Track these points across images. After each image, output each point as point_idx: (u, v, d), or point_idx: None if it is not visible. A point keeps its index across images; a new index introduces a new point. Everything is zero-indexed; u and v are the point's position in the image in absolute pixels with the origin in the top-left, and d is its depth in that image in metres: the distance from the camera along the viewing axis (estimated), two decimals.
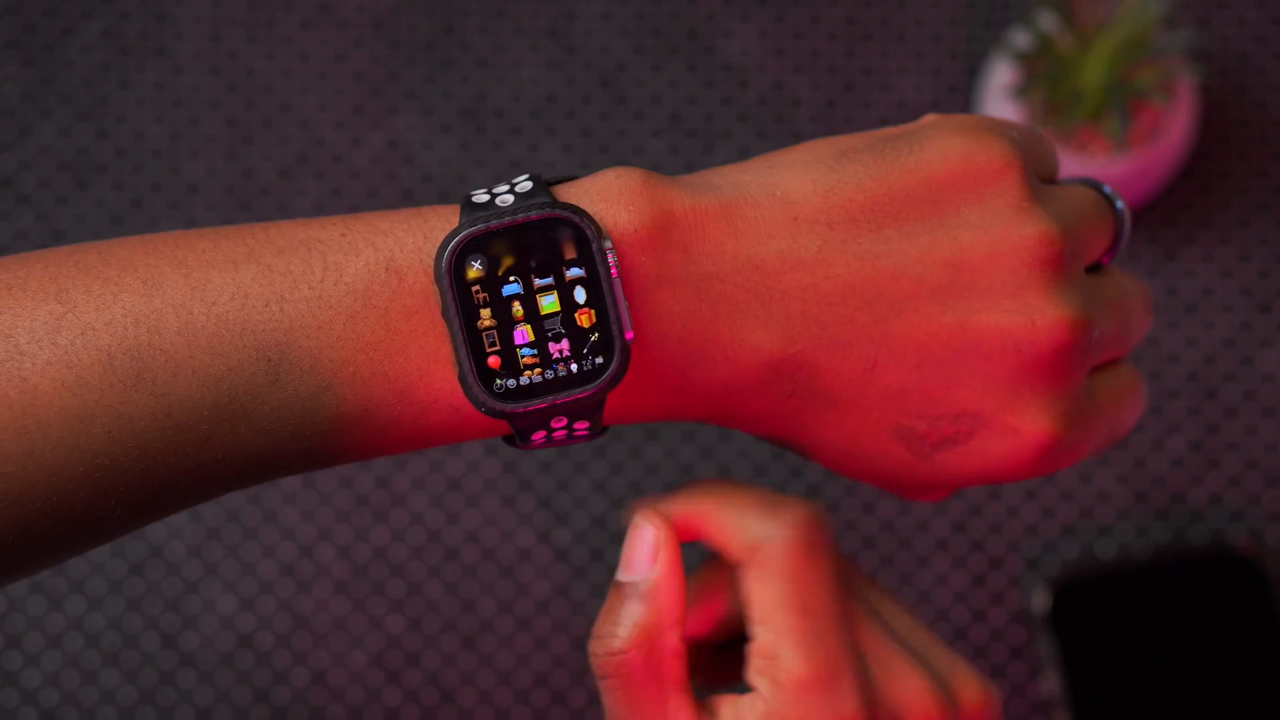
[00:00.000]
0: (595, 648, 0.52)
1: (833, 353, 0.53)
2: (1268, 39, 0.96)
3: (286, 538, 0.91)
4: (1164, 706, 0.88)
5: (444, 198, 0.94)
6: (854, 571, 0.57)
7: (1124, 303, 0.56)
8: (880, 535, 0.91)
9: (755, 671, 0.53)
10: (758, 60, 0.95)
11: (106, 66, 0.95)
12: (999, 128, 0.54)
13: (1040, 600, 0.88)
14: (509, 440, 0.54)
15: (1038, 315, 0.53)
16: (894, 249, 0.53)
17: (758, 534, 0.53)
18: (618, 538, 0.91)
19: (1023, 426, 0.54)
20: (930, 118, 0.55)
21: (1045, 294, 0.53)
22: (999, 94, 0.90)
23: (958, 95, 0.95)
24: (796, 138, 0.95)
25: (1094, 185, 0.57)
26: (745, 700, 0.53)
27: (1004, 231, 0.53)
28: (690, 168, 0.94)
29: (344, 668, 0.90)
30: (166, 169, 0.94)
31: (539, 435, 0.53)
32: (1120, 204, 0.57)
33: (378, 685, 0.90)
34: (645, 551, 0.52)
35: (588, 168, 0.94)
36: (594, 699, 0.90)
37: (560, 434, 0.53)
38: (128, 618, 0.90)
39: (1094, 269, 0.57)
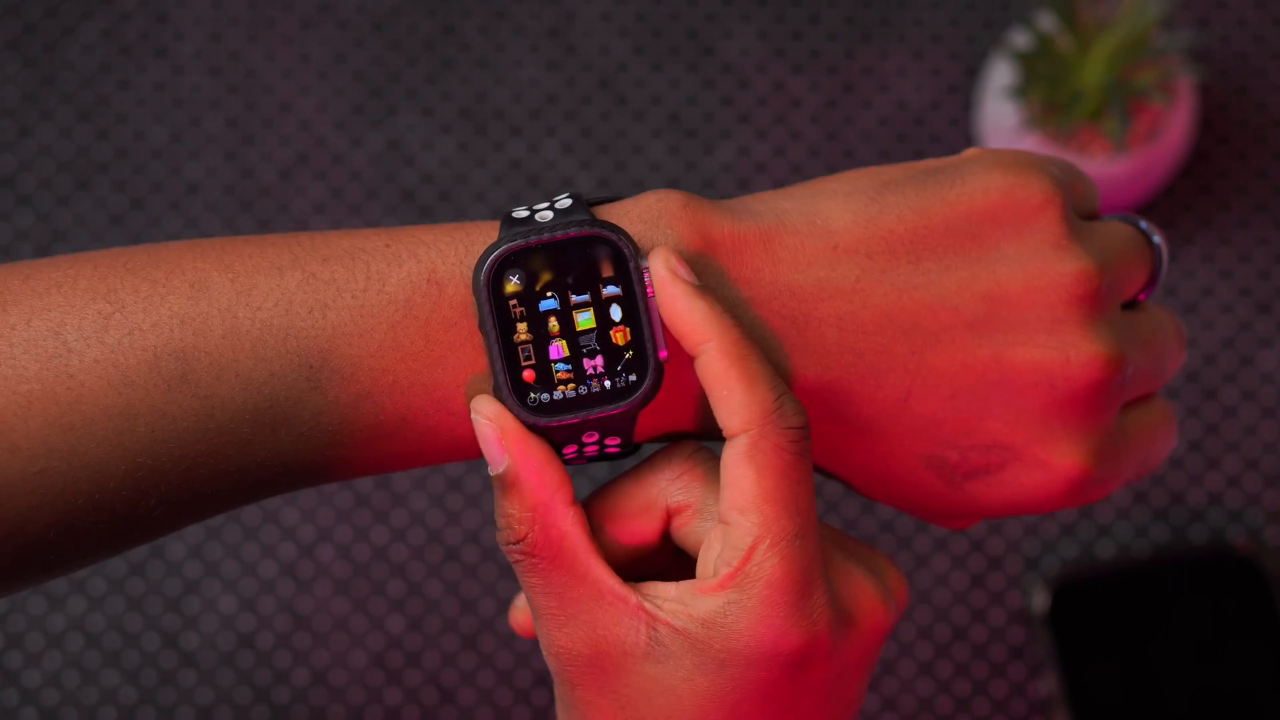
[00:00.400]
0: (499, 539, 0.53)
1: (868, 381, 0.53)
2: (1268, 39, 0.96)
3: (286, 538, 0.91)
4: (1163, 706, 0.88)
5: (444, 198, 0.94)
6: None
7: (1158, 339, 0.57)
8: (880, 535, 0.91)
9: (723, 561, 0.51)
10: (758, 60, 0.96)
11: (107, 67, 0.95)
12: (1040, 164, 0.55)
13: (1039, 600, 0.88)
14: None
15: (1073, 351, 0.53)
16: (932, 281, 0.53)
17: (764, 412, 0.51)
18: None
19: (1054, 460, 0.54)
20: (972, 152, 0.56)
21: (1081, 330, 0.53)
22: (999, 94, 0.90)
23: (957, 95, 0.95)
24: (796, 138, 0.95)
25: (1132, 222, 0.57)
26: (700, 589, 0.51)
27: (1042, 267, 0.53)
28: (690, 168, 0.95)
29: (344, 667, 0.90)
30: (167, 169, 0.94)
31: (570, 450, 0.53)
32: (1157, 239, 0.57)
33: (378, 685, 0.90)
34: (493, 440, 0.52)
35: (588, 168, 0.94)
36: None
37: (592, 449, 0.53)
38: (128, 617, 0.90)
39: (1130, 305, 0.57)
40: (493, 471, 0.52)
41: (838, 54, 0.96)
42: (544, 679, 0.90)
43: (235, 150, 0.95)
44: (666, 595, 0.52)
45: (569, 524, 0.52)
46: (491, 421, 0.52)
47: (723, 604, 0.51)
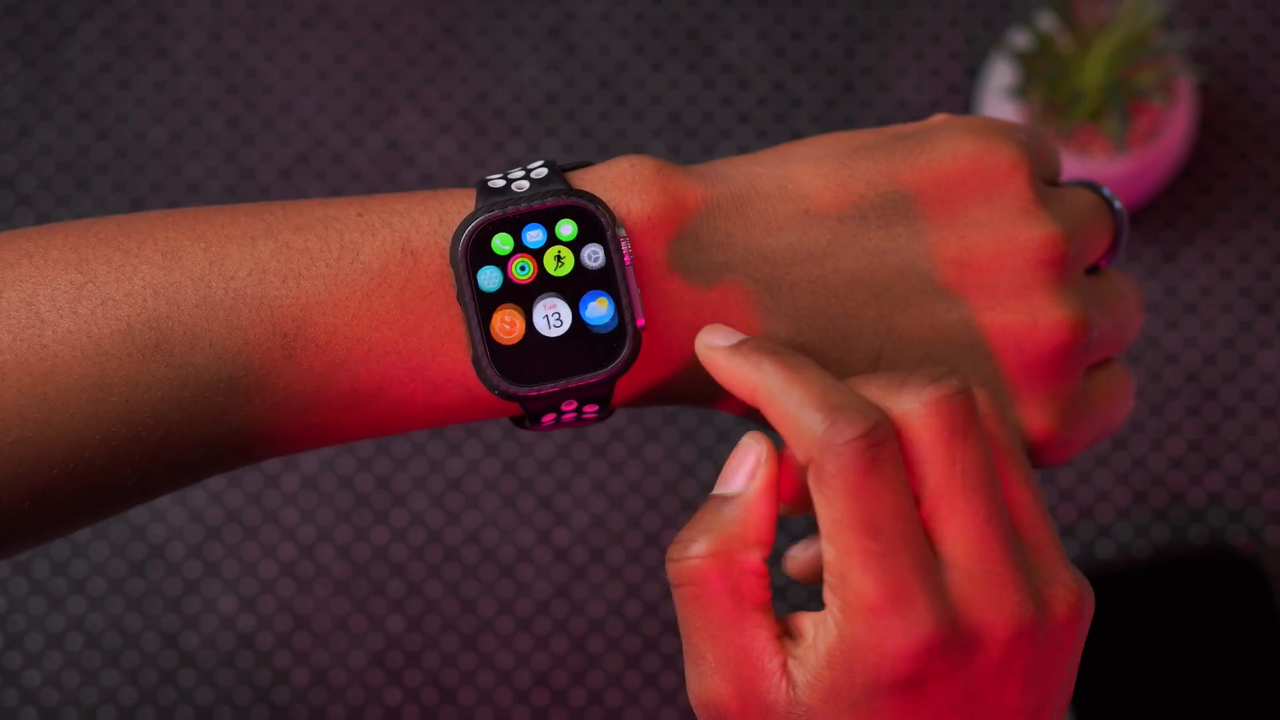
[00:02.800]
0: (672, 553, 0.51)
1: (839, 345, 0.54)
2: (1268, 39, 0.96)
3: (286, 538, 0.91)
4: (1163, 706, 0.88)
5: None
6: (990, 447, 0.52)
7: (1121, 304, 0.57)
8: None
9: (827, 589, 0.49)
10: (758, 60, 0.96)
11: (107, 67, 0.95)
12: (1008, 130, 0.55)
13: None
14: (518, 422, 0.54)
15: (1040, 315, 0.54)
16: (902, 245, 0.54)
17: (813, 437, 0.49)
18: (618, 538, 0.91)
19: (1021, 423, 0.55)
20: (940, 118, 0.56)
21: (1048, 295, 0.54)
22: (998, 94, 0.90)
23: (957, 96, 0.95)
24: (796, 137, 0.95)
25: (1094, 188, 0.58)
26: (821, 621, 0.50)
27: (1010, 232, 0.54)
28: None
29: (344, 667, 0.90)
30: (166, 169, 0.94)
31: (549, 418, 0.53)
32: (1118, 205, 0.58)
33: (378, 685, 0.90)
34: (745, 468, 0.51)
35: None
36: (594, 698, 0.90)
37: (569, 416, 0.54)
38: (128, 618, 0.90)
39: (1092, 270, 0.57)
40: (722, 491, 0.51)
41: (838, 54, 0.96)
42: (543, 679, 0.90)
43: (235, 150, 0.95)
44: (804, 634, 0.50)
45: (752, 572, 0.51)
46: (762, 451, 0.51)
47: (836, 639, 0.49)
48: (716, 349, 0.52)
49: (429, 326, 0.52)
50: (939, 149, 0.54)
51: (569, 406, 0.53)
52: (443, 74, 0.96)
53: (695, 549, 0.51)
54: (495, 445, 0.92)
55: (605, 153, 0.95)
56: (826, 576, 0.50)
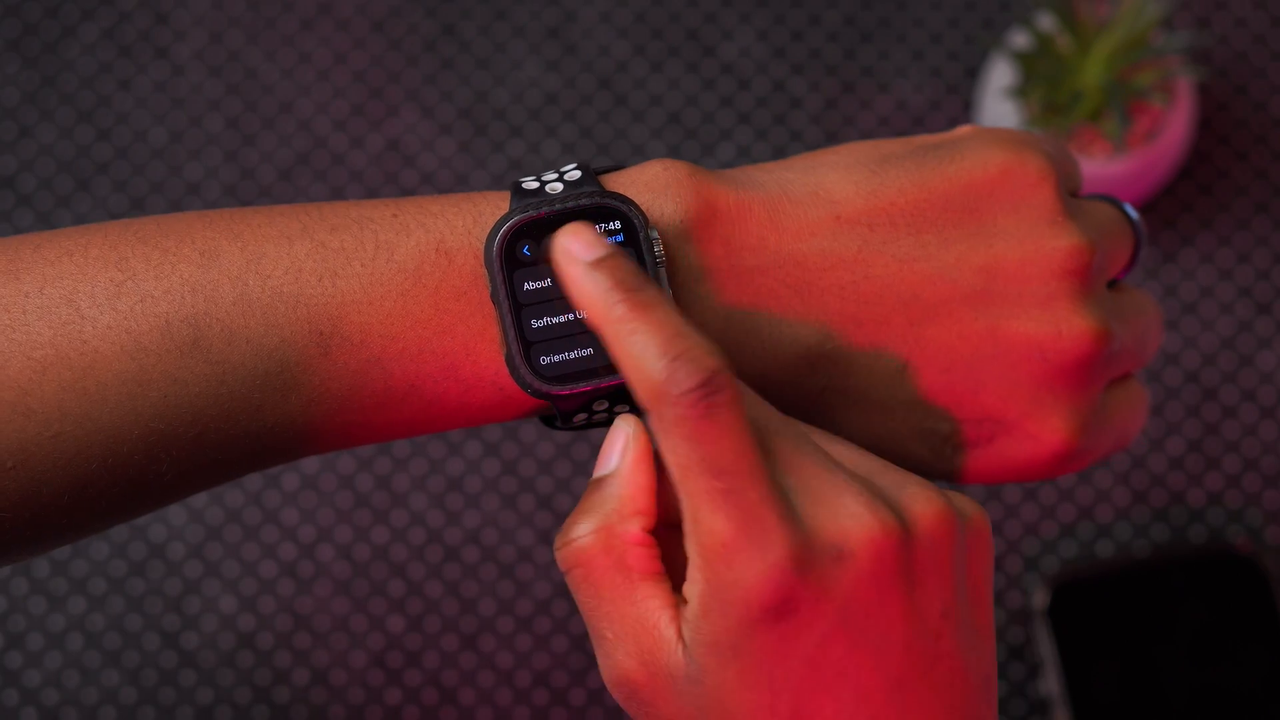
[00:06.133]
0: (558, 541, 0.52)
1: (867, 351, 0.54)
2: (1267, 39, 0.96)
3: (286, 538, 0.91)
4: (1163, 705, 0.88)
5: None
6: (774, 412, 0.53)
7: (1142, 319, 0.58)
8: None
9: (686, 538, 0.50)
10: (758, 60, 0.96)
11: (107, 67, 0.95)
12: (1035, 142, 0.56)
13: (1039, 599, 0.89)
14: (549, 421, 0.55)
15: (1065, 325, 0.54)
16: (931, 253, 0.54)
17: (652, 391, 0.49)
18: None
19: (1042, 433, 0.55)
20: (967, 129, 0.57)
21: (1073, 305, 0.55)
22: (998, 94, 0.90)
23: (957, 96, 0.95)
24: (796, 137, 0.95)
25: (1113, 202, 0.59)
26: (690, 575, 0.50)
27: (1037, 243, 0.55)
28: None
29: (344, 667, 0.90)
30: (167, 169, 0.95)
31: (581, 418, 0.54)
32: (1138, 219, 0.59)
33: (378, 685, 0.90)
34: (617, 447, 0.52)
35: None
36: (594, 698, 0.90)
37: (601, 416, 0.54)
38: (128, 617, 0.90)
39: (1111, 284, 0.58)
40: (599, 473, 0.52)
41: (838, 54, 0.96)
42: (543, 679, 0.90)
43: (235, 150, 0.95)
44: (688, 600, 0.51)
45: (635, 543, 0.51)
46: (629, 429, 0.52)
47: (702, 587, 0.49)
48: (575, 260, 0.50)
49: (463, 326, 0.52)
50: (968, 159, 0.55)
51: (600, 406, 0.53)
52: (443, 74, 0.96)
53: (578, 530, 0.51)
54: (495, 445, 0.92)
55: (605, 153, 0.95)
56: (684, 525, 0.50)
